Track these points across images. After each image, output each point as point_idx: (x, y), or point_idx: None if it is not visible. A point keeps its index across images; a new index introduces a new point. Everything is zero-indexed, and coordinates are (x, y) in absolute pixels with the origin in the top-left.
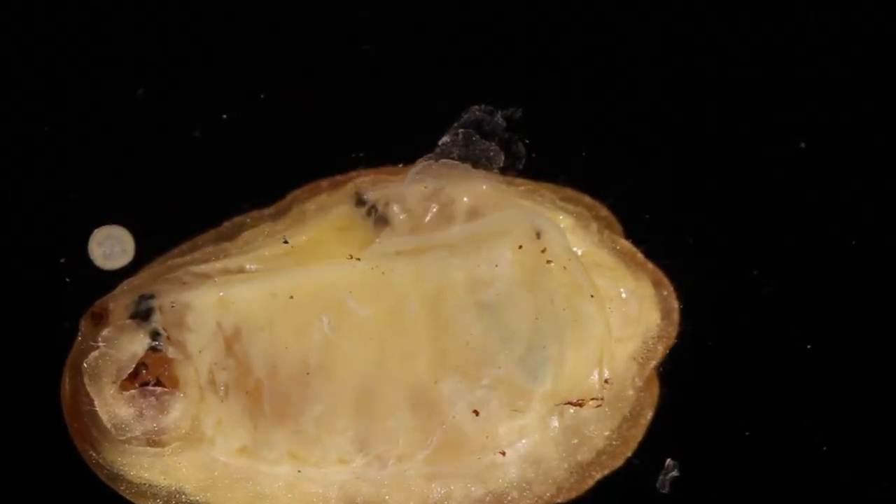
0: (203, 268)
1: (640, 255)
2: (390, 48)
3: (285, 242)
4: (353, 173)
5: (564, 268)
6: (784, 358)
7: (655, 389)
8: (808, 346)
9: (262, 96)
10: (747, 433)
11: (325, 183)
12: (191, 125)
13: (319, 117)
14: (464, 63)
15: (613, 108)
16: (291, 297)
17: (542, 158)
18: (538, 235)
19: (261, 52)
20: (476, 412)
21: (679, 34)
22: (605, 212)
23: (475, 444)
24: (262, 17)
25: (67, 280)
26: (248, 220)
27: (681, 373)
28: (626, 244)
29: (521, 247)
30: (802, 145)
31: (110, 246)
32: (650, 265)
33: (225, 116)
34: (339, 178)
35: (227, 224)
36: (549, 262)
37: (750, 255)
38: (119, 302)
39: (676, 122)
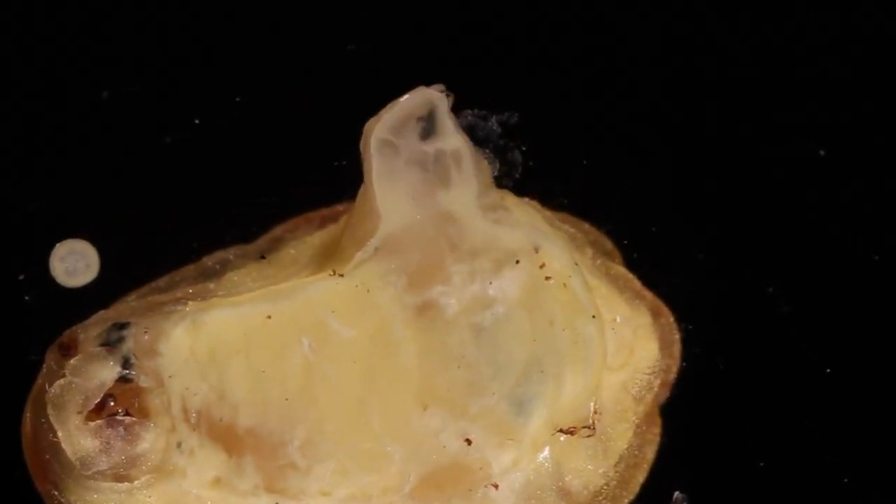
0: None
1: (637, 283)
2: (378, 48)
3: (262, 258)
4: (341, 207)
5: (564, 285)
6: (801, 382)
7: (657, 428)
8: (828, 370)
9: (237, 99)
10: (761, 464)
11: (314, 219)
12: (161, 130)
13: (301, 121)
14: (456, 64)
15: (617, 113)
16: (269, 318)
17: (539, 167)
18: (536, 251)
19: (238, 53)
20: (469, 441)
21: (681, 36)
22: (604, 239)
23: (468, 475)
24: (241, 17)
25: (27, 299)
26: (231, 256)
27: (690, 398)
28: (622, 271)
29: (518, 262)
30: (822, 153)
31: (73, 261)
32: (649, 294)
33: (197, 121)
34: (325, 211)
35: (207, 260)
36: (548, 278)
37: (765, 271)
38: (90, 332)
39: (683, 129)
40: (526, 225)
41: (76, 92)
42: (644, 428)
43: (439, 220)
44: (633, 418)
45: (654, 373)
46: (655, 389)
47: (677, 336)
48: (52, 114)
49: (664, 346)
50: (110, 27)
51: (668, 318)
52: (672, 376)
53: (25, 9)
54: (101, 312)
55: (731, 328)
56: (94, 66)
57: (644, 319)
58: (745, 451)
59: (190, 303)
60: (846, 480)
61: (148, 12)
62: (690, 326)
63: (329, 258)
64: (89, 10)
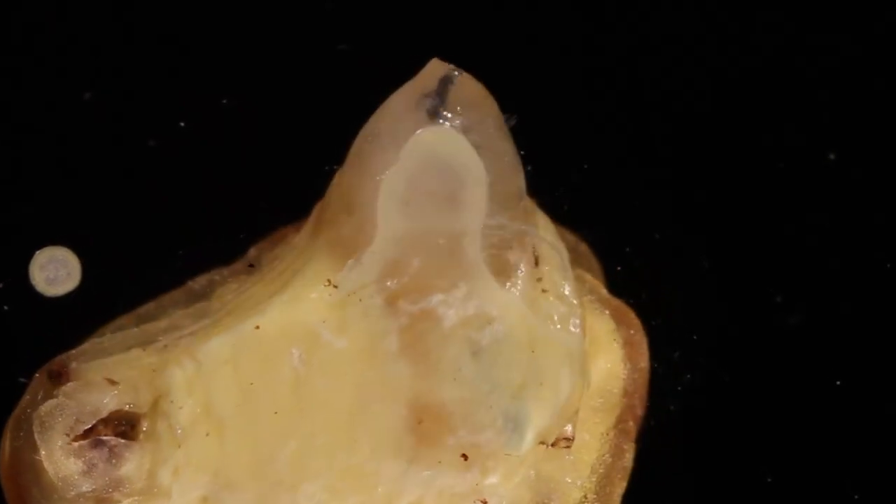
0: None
1: (604, 290)
2: (370, 49)
3: (251, 266)
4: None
5: (562, 292)
6: (810, 395)
7: (626, 436)
8: (838, 383)
9: (224, 101)
10: (769, 479)
11: (290, 230)
12: (144, 133)
13: (291, 124)
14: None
15: (619, 115)
16: (257, 328)
17: (539, 171)
18: (536, 261)
19: (225, 54)
20: (465, 456)
21: (684, 37)
22: (581, 245)
23: (461, 492)
24: (228, 16)
25: (6, 308)
26: (217, 277)
27: (694, 410)
28: (588, 277)
29: (521, 271)
30: (832, 156)
31: (54, 270)
32: (615, 301)
33: (183, 124)
34: (303, 223)
35: (192, 283)
36: (544, 291)
37: (772, 279)
38: (83, 363)
39: (688, 132)
40: (522, 228)
41: (57, 92)
42: (612, 436)
43: (448, 230)
44: (598, 428)
45: (613, 381)
46: (617, 398)
47: (644, 344)
48: (31, 116)
49: (628, 354)
50: (92, 25)
51: (634, 324)
52: (640, 384)
53: (3, 8)
54: (95, 340)
55: (737, 338)
56: (75, 67)
57: (604, 327)
58: (752, 466)
59: (188, 335)
60: (857, 497)
61: (131, 11)
62: (695, 336)
63: (313, 245)
64: (69, 7)
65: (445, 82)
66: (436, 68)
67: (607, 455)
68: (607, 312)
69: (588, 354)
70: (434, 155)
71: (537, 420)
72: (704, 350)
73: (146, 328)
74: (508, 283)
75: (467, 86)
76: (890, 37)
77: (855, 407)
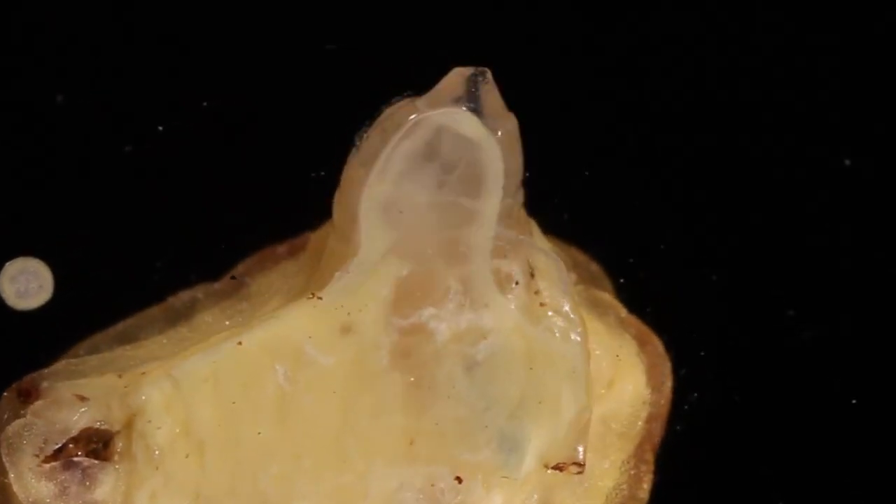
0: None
1: (622, 310)
2: (360, 49)
3: (233, 278)
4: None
5: (560, 307)
6: (824, 414)
7: (646, 466)
8: (853, 401)
9: (204, 104)
10: (781, 503)
11: (281, 248)
12: (120, 138)
13: (275, 128)
14: (446, 67)
15: (622, 119)
16: (240, 343)
17: (537, 178)
18: (532, 273)
19: (205, 54)
20: (459, 479)
21: (690, 38)
22: (590, 263)
23: None
24: (210, 16)
25: None
26: (200, 295)
27: (703, 431)
28: (607, 297)
29: (517, 283)
30: (847, 162)
31: (25, 282)
32: (636, 322)
33: (161, 128)
34: (296, 241)
35: (173, 301)
36: (542, 304)
37: (784, 293)
38: (55, 382)
39: (696, 139)
40: (516, 240)
41: (29, 97)
42: (632, 465)
43: (443, 237)
44: (619, 455)
45: (640, 406)
46: (641, 424)
47: (668, 367)
48: (1, 121)
49: (651, 377)
50: (67, 23)
51: (657, 347)
52: (663, 410)
53: None
54: (69, 361)
55: (748, 355)
56: (47, 68)
57: (628, 349)
58: (764, 490)
59: (166, 359)
60: None
61: (109, 9)
62: (703, 353)
63: (309, 281)
64: (44, 5)
65: (475, 82)
66: (456, 76)
67: (624, 485)
68: (630, 333)
69: (590, 373)
70: (423, 162)
71: (537, 441)
72: (714, 366)
73: (123, 353)
74: (505, 295)
75: (492, 95)
76: (890, 37)
77: (871, 426)
